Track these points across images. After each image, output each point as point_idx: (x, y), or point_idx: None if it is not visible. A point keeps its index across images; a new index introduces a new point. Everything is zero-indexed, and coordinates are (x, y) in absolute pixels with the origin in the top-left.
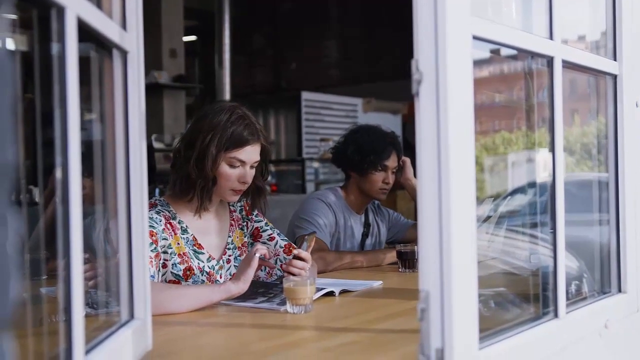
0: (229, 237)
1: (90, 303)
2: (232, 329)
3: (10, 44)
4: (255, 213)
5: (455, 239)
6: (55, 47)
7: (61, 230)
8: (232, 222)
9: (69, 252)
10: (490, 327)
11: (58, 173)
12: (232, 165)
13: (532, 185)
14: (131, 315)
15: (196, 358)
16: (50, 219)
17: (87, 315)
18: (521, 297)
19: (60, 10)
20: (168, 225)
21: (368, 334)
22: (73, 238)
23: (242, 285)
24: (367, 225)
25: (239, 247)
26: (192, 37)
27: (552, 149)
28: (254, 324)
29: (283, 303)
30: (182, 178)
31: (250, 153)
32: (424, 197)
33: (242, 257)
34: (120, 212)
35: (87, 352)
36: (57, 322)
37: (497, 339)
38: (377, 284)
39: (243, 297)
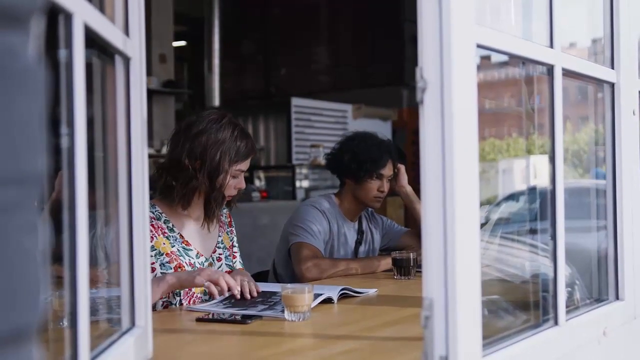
0: (219, 236)
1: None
2: (231, 336)
3: (41, 54)
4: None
5: (460, 246)
6: (62, 53)
7: (67, 237)
8: (221, 224)
9: (75, 258)
10: (492, 335)
11: (64, 178)
12: (235, 177)
13: (524, 192)
14: (132, 323)
15: None
16: (49, 223)
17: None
18: (520, 304)
19: (68, 16)
20: (150, 227)
21: (368, 342)
22: (79, 245)
23: (173, 281)
24: (360, 232)
25: (227, 247)
26: (182, 43)
27: (552, 157)
28: (253, 331)
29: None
30: (191, 191)
31: (249, 163)
32: (428, 204)
33: (231, 257)
34: (121, 219)
35: None
36: (56, 330)
37: (500, 346)
38: (372, 291)
39: (244, 305)
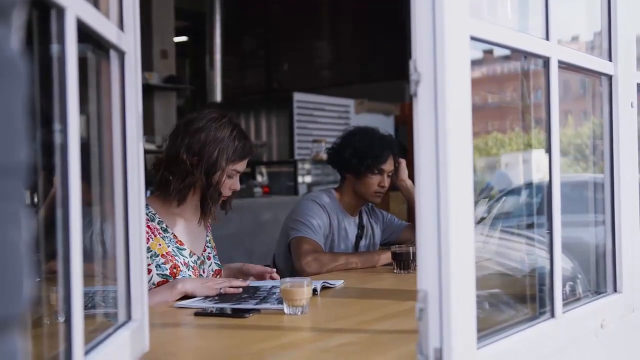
0: (207, 236)
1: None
2: (229, 330)
3: (24, 46)
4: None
5: (454, 239)
6: (55, 48)
7: (61, 232)
8: (208, 223)
9: (69, 253)
10: (488, 327)
11: (57, 174)
12: (230, 177)
13: (525, 186)
14: (128, 317)
15: (193, 359)
16: (47, 219)
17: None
18: (517, 297)
19: (60, 11)
20: (146, 228)
21: (365, 335)
22: (72, 240)
23: (185, 288)
24: (361, 227)
25: (213, 247)
26: (183, 38)
27: (549, 150)
28: (251, 325)
29: (281, 302)
30: (187, 187)
31: (245, 164)
32: (422, 197)
33: (217, 256)
34: (117, 214)
35: (86, 353)
36: (50, 324)
37: (495, 338)
38: (339, 283)
39: (230, 301)
